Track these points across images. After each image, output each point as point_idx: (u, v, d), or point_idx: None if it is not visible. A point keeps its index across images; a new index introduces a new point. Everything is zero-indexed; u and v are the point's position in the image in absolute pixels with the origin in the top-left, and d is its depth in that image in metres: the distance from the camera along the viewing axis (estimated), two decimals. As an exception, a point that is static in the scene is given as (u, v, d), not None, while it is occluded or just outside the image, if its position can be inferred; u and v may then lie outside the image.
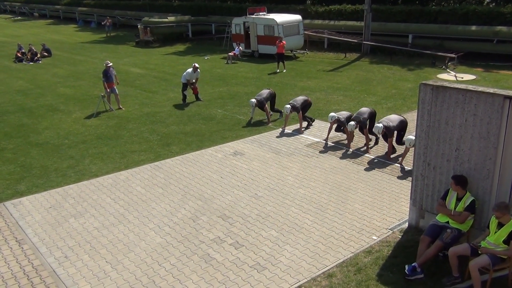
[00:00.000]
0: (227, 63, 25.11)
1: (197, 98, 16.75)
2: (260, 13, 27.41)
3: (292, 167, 10.43)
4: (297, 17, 26.84)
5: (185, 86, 16.50)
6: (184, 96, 16.53)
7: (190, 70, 16.48)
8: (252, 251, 7.29)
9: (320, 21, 29.16)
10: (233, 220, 8.25)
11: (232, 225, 8.09)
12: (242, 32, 27.39)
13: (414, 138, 8.44)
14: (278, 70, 22.16)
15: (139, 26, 34.18)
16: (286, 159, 10.87)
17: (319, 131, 12.92)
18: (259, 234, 7.76)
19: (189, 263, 7.03)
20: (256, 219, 8.25)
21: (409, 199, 7.75)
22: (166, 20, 34.00)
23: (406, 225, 7.84)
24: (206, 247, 7.44)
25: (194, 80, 16.51)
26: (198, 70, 16.56)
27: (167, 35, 34.29)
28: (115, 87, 16.11)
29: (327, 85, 18.92)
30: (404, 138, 10.53)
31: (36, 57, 27.30)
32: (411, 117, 12.23)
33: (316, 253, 7.18)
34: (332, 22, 28.67)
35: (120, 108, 15.96)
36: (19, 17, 64.77)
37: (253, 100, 13.75)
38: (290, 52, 26.12)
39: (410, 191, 7.72)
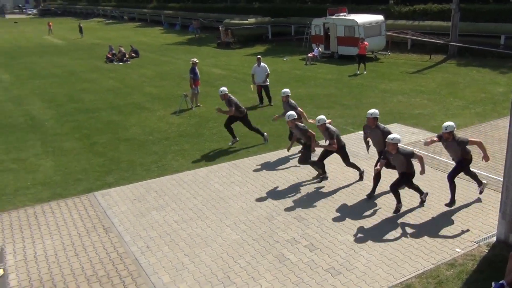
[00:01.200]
0: (306, 64, 25.04)
1: (268, 100, 16.72)
2: (341, 14, 27.03)
3: (371, 171, 10.17)
4: (379, 17, 26.13)
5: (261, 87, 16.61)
6: (260, 98, 16.72)
7: (255, 65, 16.66)
8: (327, 254, 7.20)
9: (403, 22, 28.16)
10: (308, 222, 8.20)
11: (307, 226, 8.06)
12: (322, 33, 27.16)
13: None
14: (358, 72, 21.71)
15: (220, 28, 35.11)
16: (364, 163, 10.62)
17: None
18: (335, 238, 7.65)
19: (263, 261, 7.10)
20: (332, 223, 8.14)
21: (498, 212, 7.24)
22: (246, 22, 34.62)
23: (494, 239, 7.33)
24: (280, 247, 7.47)
25: (261, 79, 16.39)
26: (263, 64, 16.45)
27: (247, 36, 34.90)
28: (198, 86, 16.62)
29: (410, 87, 18.21)
30: None
31: (125, 58, 28.98)
32: (502, 124, 11.44)
33: (393, 261, 6.94)
34: (416, 23, 27.58)
35: (198, 106, 16.54)
36: (111, 20, 69.14)
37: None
38: (371, 53, 25.49)
39: (499, 202, 7.22)
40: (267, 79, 16.52)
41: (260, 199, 9.20)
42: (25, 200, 9.55)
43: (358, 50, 22.03)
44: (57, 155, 12.16)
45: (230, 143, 12.49)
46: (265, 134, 12.61)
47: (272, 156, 11.54)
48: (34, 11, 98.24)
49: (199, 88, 16.78)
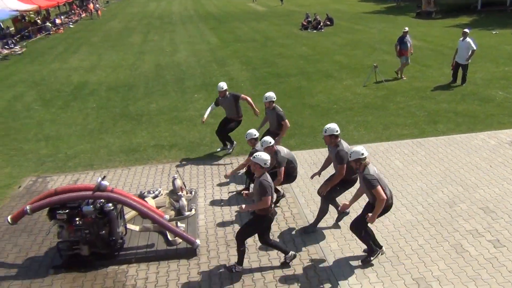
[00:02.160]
0: (520, 39, 21.83)
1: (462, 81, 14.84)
2: None
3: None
4: None
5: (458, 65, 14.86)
6: (455, 76, 14.99)
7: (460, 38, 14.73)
8: (515, 255, 6.40)
9: None
10: (496, 216, 7.36)
11: (494, 220, 7.24)
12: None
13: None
14: None
15: (423, -4, 32.75)
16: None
17: None
18: (528, 239, 6.73)
19: (438, 248, 6.66)
20: (526, 221, 7.16)
21: None
22: (453, -11, 31.58)
23: None
24: (460, 237, 6.90)
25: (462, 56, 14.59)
26: (468, 39, 14.35)
27: (452, 6, 31.86)
28: (408, 56, 15.86)
29: None
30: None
31: (319, 26, 29.34)
32: None
33: None
34: None
35: (401, 78, 15.86)
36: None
37: None
38: None
39: None
40: (470, 58, 14.45)
41: (443, 183, 8.57)
42: (219, 153, 10.64)
43: None
44: (249, 115, 13.13)
45: (219, 149, 10.69)
46: (234, 143, 10.61)
47: (463, 138, 10.55)
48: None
49: (409, 60, 15.94)
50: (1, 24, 28.69)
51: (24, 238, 7.49)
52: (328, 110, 13.20)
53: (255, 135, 8.13)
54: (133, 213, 7.70)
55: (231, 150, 10.53)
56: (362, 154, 6.05)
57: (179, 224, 7.28)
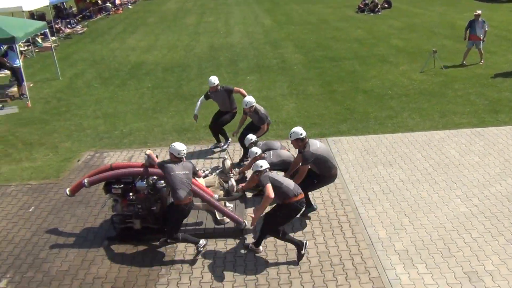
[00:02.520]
0: None
1: None
2: None
3: None
4: None
5: None
6: None
7: None
8: None
9: None
10: (559, 212, 6.97)
11: (557, 217, 6.86)
12: None
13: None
14: None
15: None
16: None
17: None
18: None
19: (493, 243, 6.41)
20: None
21: None
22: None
23: None
24: (517, 232, 6.60)
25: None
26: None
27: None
28: (480, 41, 14.99)
29: None
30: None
31: (376, 8, 28.45)
32: None
33: None
34: None
35: (463, 63, 15.19)
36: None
37: None
38: None
39: None
40: None
41: (502, 175, 8.19)
42: (266, 135, 10.65)
43: None
44: (300, 98, 13.07)
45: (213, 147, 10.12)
46: (229, 139, 10.02)
47: (526, 129, 10.01)
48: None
49: (481, 44, 15.09)
50: (64, 4, 29.85)
51: (82, 210, 7.89)
52: (382, 96, 12.87)
53: (251, 139, 8.01)
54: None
55: (225, 146, 10.00)
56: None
57: (227, 204, 7.41)
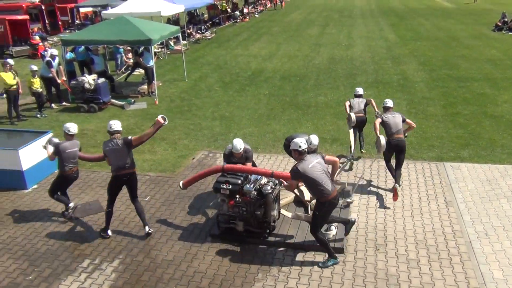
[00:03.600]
0: None
1: None
2: None
3: None
4: None
5: None
6: None
7: None
8: None
9: None
10: None
11: None
12: None
13: None
14: None
15: None
16: None
17: None
18: None
19: None
20: None
21: None
22: None
23: None
24: None
25: None
26: None
27: None
28: None
29: None
30: None
31: (517, 27, 26.07)
32: None
33: None
34: None
35: None
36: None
37: None
38: None
39: None
40: None
41: None
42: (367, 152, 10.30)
43: None
44: (418, 118, 12.42)
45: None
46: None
47: None
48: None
49: None
50: (197, 11, 31.90)
51: (191, 204, 8.33)
52: (513, 123, 11.73)
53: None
54: (288, 199, 7.98)
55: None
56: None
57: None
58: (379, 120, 8.48)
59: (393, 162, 8.50)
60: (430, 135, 11.21)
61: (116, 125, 7.22)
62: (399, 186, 8.26)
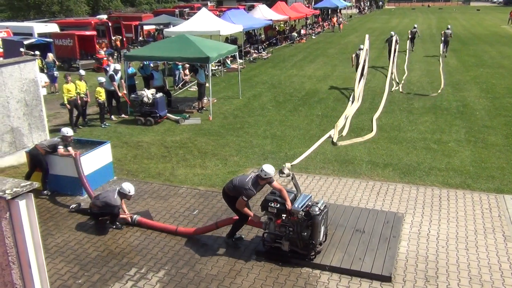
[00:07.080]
0: None
1: None
2: None
3: None
4: None
5: None
6: None
7: None
8: None
9: None
10: None
11: None
12: None
13: None
14: None
15: None
16: None
17: None
18: None
19: None
20: None
21: None
22: None
23: None
24: None
25: None
26: None
27: None
28: None
29: None
30: None
31: None
32: None
33: None
34: None
35: None
36: None
37: None
38: None
39: None
40: None
41: None
42: (434, 180, 9.95)
43: None
44: (477, 147, 11.92)
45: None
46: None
47: None
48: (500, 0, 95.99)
49: None
50: (255, 31, 32.48)
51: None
52: None
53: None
54: (335, 222, 7.83)
55: None
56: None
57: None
58: None
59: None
60: (490, 165, 10.70)
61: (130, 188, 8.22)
62: None
